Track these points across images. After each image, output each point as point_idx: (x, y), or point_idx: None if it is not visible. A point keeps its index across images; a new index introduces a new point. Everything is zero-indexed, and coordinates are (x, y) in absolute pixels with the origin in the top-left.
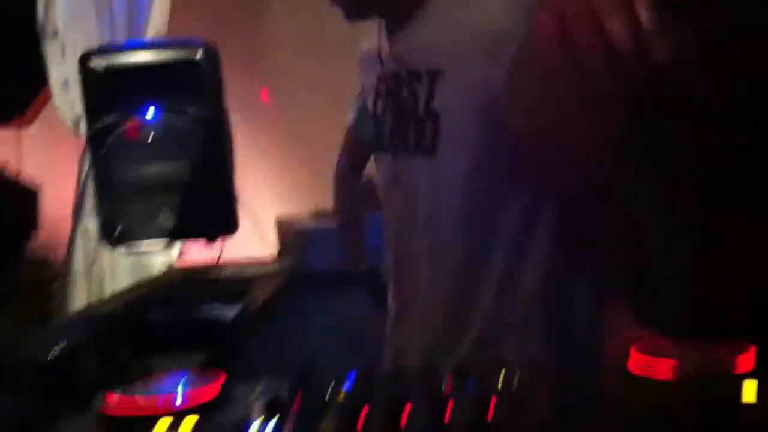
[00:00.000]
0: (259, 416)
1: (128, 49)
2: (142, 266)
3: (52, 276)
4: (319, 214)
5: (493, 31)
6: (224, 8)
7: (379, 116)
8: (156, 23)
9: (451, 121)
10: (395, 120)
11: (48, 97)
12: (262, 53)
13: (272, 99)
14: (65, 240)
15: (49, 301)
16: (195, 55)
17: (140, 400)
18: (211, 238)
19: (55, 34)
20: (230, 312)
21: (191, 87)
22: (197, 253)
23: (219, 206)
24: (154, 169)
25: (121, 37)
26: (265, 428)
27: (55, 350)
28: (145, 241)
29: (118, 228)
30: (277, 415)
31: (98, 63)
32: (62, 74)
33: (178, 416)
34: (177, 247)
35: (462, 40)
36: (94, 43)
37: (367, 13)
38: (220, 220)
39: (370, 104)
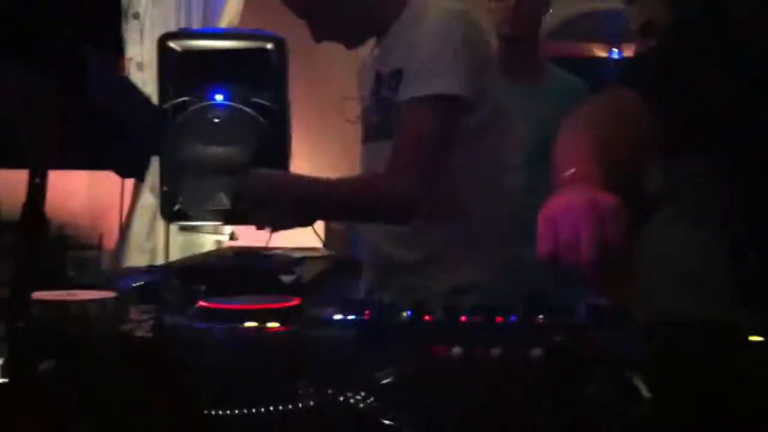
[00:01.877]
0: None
1: (204, 34)
2: (194, 244)
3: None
4: None
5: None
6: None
7: (365, 113)
8: (229, 14)
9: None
10: (375, 113)
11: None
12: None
13: (329, 93)
14: (118, 213)
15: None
16: (266, 45)
17: (231, 304)
18: (262, 224)
19: (136, 16)
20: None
21: (259, 76)
22: (248, 237)
23: None
24: (217, 151)
25: (196, 25)
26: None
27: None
28: (202, 220)
29: (177, 204)
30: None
31: (175, 45)
32: (139, 54)
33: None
34: (229, 229)
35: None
36: (172, 27)
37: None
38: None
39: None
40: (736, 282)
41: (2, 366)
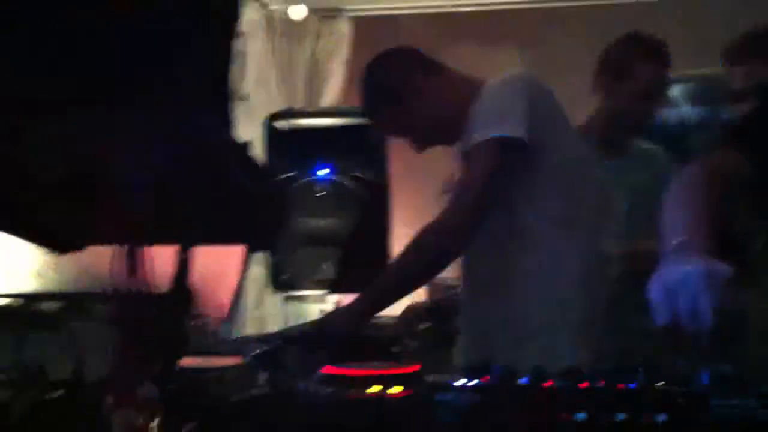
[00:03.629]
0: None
1: (308, 113)
2: (300, 314)
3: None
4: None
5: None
6: None
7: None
8: (331, 92)
9: None
10: None
11: None
12: None
13: (426, 167)
14: (230, 286)
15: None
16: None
17: (355, 369)
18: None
19: (242, 97)
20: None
21: (361, 151)
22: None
23: (375, 262)
24: (321, 224)
25: (300, 104)
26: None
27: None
28: (307, 289)
29: (284, 275)
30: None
31: (282, 124)
32: (247, 132)
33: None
34: (334, 297)
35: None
36: (277, 107)
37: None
38: (375, 276)
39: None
40: None
41: (158, 425)
